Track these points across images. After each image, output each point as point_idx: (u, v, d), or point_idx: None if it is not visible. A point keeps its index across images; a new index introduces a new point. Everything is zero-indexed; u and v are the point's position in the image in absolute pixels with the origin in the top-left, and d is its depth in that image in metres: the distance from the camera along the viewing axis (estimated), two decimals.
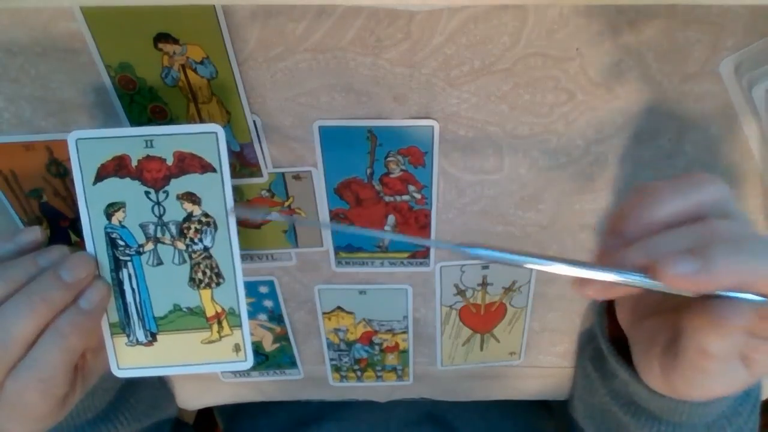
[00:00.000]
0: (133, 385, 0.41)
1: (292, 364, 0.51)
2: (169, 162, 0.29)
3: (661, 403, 0.35)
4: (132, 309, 0.31)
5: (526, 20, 0.31)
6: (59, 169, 0.37)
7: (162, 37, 0.31)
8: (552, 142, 0.37)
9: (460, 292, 0.45)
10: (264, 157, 0.37)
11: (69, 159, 0.30)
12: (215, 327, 0.32)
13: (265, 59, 0.33)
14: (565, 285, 0.45)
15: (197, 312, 0.31)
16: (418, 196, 0.39)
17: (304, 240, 0.42)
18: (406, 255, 0.43)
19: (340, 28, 0.32)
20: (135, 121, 0.35)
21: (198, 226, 0.30)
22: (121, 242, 0.30)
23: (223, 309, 0.32)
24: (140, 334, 0.32)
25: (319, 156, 0.37)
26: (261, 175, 0.38)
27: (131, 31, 0.31)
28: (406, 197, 0.39)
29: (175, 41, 0.32)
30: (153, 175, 0.29)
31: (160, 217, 0.30)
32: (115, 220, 0.30)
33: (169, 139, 0.29)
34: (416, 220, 0.41)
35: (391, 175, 0.38)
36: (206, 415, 0.67)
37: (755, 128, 0.36)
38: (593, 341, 0.45)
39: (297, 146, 0.37)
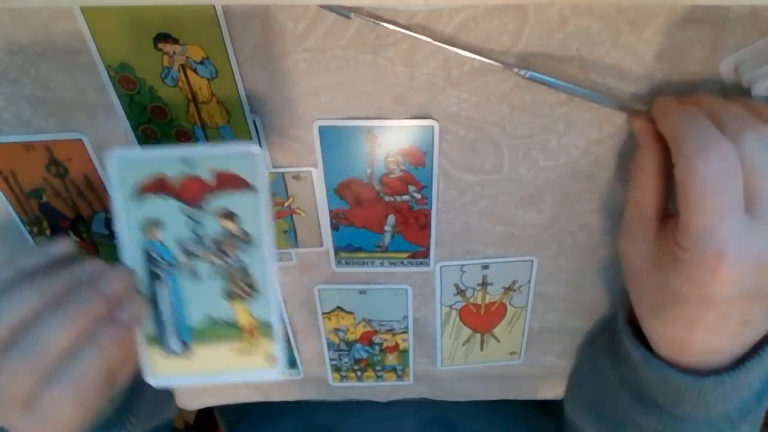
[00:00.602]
0: (138, 388, 0.42)
1: (292, 364, 0.51)
2: (207, 180, 0.30)
3: (665, 393, 0.35)
4: (167, 321, 0.32)
5: (526, 20, 0.31)
6: (59, 169, 0.37)
7: (162, 37, 0.31)
8: (552, 142, 0.37)
9: (460, 292, 0.45)
10: (264, 157, 0.37)
11: (107, 177, 0.30)
12: (249, 338, 0.33)
13: (265, 59, 0.33)
14: (565, 285, 0.45)
15: (231, 323, 0.32)
16: (418, 196, 0.39)
17: (304, 240, 0.42)
18: (406, 255, 0.43)
19: (340, 27, 0.32)
20: (135, 121, 0.35)
21: (234, 242, 0.31)
22: (157, 257, 0.31)
23: (256, 320, 0.32)
24: (175, 345, 0.32)
25: (319, 156, 0.37)
26: None
27: (131, 31, 0.31)
28: (406, 197, 0.39)
29: (175, 41, 0.32)
30: (191, 193, 0.30)
31: (197, 233, 0.31)
32: (152, 236, 0.30)
33: (207, 158, 0.30)
34: (416, 220, 0.41)
35: (391, 175, 0.38)
36: (206, 415, 0.67)
37: None
38: (605, 332, 0.45)
39: (297, 146, 0.37)
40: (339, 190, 0.39)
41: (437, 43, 0.31)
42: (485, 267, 0.44)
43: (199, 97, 0.34)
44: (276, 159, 0.37)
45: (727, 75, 0.33)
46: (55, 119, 0.35)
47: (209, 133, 0.36)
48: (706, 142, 0.28)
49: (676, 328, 0.32)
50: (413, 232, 0.41)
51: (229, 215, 0.30)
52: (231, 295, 0.32)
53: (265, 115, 0.35)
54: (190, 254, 0.31)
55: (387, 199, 0.39)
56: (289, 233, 0.42)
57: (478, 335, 0.48)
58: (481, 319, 0.47)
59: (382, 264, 0.43)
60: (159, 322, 0.32)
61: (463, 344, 0.49)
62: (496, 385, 0.53)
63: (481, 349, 0.49)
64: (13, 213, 0.39)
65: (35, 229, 0.40)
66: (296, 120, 0.36)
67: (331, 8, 0.30)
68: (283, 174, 0.38)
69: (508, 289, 0.45)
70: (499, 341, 0.49)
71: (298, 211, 0.40)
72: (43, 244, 0.30)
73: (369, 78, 0.34)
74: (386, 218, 0.41)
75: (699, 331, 0.31)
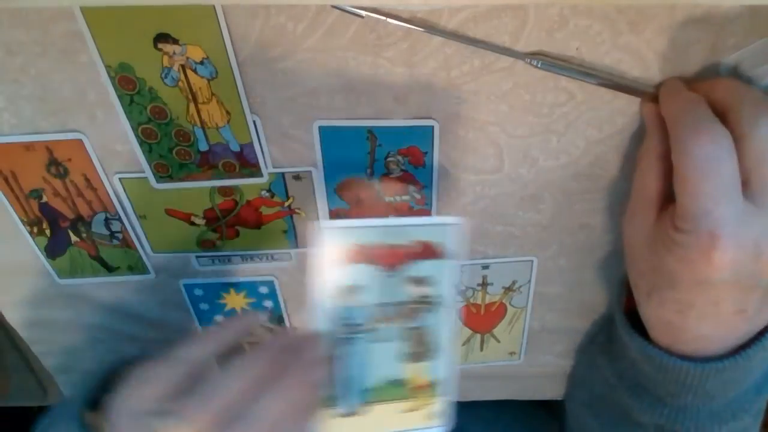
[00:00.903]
0: None
1: None
2: (408, 249, 0.31)
3: (666, 383, 0.35)
4: (345, 383, 0.33)
5: (526, 20, 0.31)
6: (59, 170, 0.37)
7: (162, 37, 0.31)
8: (552, 142, 0.37)
9: (460, 292, 0.45)
10: (264, 157, 0.37)
11: (317, 245, 0.30)
12: (417, 397, 0.33)
13: (265, 59, 0.33)
14: (565, 285, 0.45)
15: (403, 383, 0.33)
16: (418, 196, 0.39)
17: (304, 240, 0.42)
18: None
19: (340, 27, 0.32)
20: (135, 121, 0.35)
21: (422, 306, 0.32)
22: (350, 322, 0.31)
23: (428, 380, 0.33)
24: (348, 407, 0.33)
25: (319, 156, 0.37)
26: (261, 175, 0.38)
27: (131, 31, 0.31)
28: (406, 197, 0.39)
29: (175, 41, 0.32)
30: (390, 261, 0.31)
31: (390, 298, 0.31)
32: (348, 302, 0.31)
33: (410, 229, 0.31)
34: None
35: (392, 175, 0.38)
36: None
37: None
38: (602, 331, 0.45)
39: (297, 146, 0.37)
40: (339, 190, 0.39)
41: (457, 41, 0.31)
42: (485, 267, 0.44)
43: (199, 97, 0.34)
44: (276, 159, 0.37)
45: (727, 75, 0.33)
46: (55, 119, 0.35)
47: (209, 133, 0.36)
48: (701, 126, 0.28)
49: (669, 312, 0.32)
50: None
51: (422, 281, 0.31)
52: (409, 356, 0.33)
53: (265, 115, 0.35)
54: (379, 318, 0.32)
55: (387, 199, 0.39)
56: (289, 233, 0.42)
57: (478, 335, 0.48)
58: (481, 319, 0.47)
59: None
60: (337, 384, 0.32)
61: (463, 344, 0.49)
62: (496, 385, 0.53)
63: (481, 349, 0.49)
64: (13, 213, 0.39)
65: (35, 229, 0.40)
66: (296, 120, 0.36)
67: (342, 8, 0.30)
68: (283, 174, 0.38)
69: (508, 289, 0.45)
70: (498, 341, 0.49)
71: (298, 211, 0.40)
72: (235, 318, 0.31)
73: (369, 78, 0.34)
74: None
75: (692, 316, 0.31)
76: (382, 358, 0.32)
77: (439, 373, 0.33)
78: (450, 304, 0.32)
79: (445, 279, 0.31)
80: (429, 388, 0.33)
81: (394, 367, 0.32)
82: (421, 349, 0.32)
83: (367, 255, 0.30)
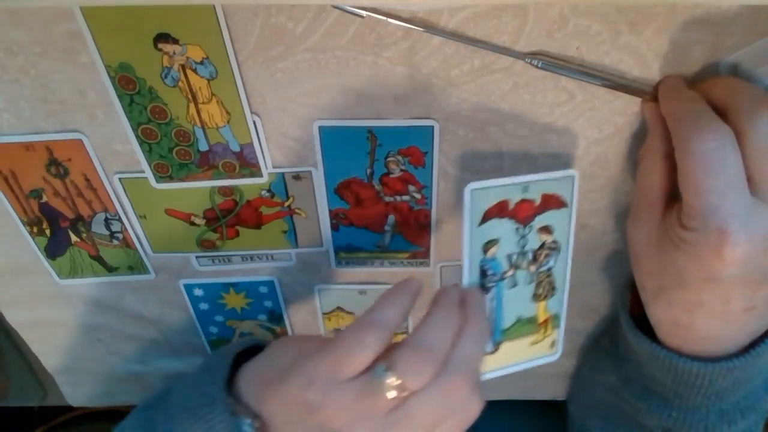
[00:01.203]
0: None
1: None
2: (537, 202, 0.35)
3: (675, 385, 0.35)
4: (489, 326, 0.36)
5: (526, 20, 0.31)
6: (59, 170, 0.37)
7: (162, 37, 0.31)
8: (552, 142, 0.37)
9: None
10: (264, 157, 0.37)
11: (462, 208, 0.33)
12: (542, 330, 0.38)
13: (265, 59, 0.33)
14: None
15: (533, 320, 0.37)
16: (418, 196, 0.39)
17: (304, 240, 0.42)
18: (406, 255, 0.43)
19: (340, 27, 0.32)
20: (135, 121, 0.35)
21: (548, 252, 0.36)
22: (490, 272, 0.35)
23: (550, 314, 0.38)
24: (489, 346, 0.37)
25: (319, 156, 0.37)
26: (261, 175, 0.38)
27: (131, 31, 0.31)
28: (406, 197, 0.39)
29: (175, 41, 0.32)
30: (524, 213, 0.35)
31: (522, 247, 0.35)
32: (489, 254, 0.34)
33: (540, 183, 0.34)
34: (416, 221, 0.41)
35: (391, 175, 0.38)
36: None
37: None
38: (606, 335, 0.45)
39: (297, 146, 0.37)
40: (339, 190, 0.39)
41: (458, 41, 0.31)
42: None
43: (199, 97, 0.34)
44: (276, 159, 0.37)
45: (727, 75, 0.33)
46: (55, 119, 0.35)
47: (209, 133, 0.36)
48: (702, 123, 0.28)
49: (678, 312, 0.32)
50: (413, 233, 0.41)
51: (547, 229, 0.35)
52: (536, 296, 0.37)
53: (265, 115, 0.35)
54: (514, 266, 0.35)
55: (387, 199, 0.39)
56: (289, 233, 0.42)
57: None
58: None
59: (382, 264, 0.43)
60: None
61: None
62: (495, 385, 0.52)
63: None
64: (13, 213, 0.39)
65: (35, 229, 0.40)
66: (296, 120, 0.36)
67: (342, 8, 0.30)
68: (283, 174, 0.38)
69: None
70: None
71: (298, 211, 0.40)
72: (401, 285, 0.33)
73: (369, 78, 0.34)
74: (386, 218, 0.41)
75: (701, 314, 0.31)
76: (517, 301, 0.36)
77: (558, 307, 0.38)
78: (568, 247, 0.36)
79: (565, 225, 0.35)
80: (550, 322, 0.38)
81: (526, 307, 0.37)
82: (546, 288, 0.37)
83: (505, 210, 0.34)
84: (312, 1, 0.30)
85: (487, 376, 0.37)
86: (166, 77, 0.33)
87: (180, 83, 0.33)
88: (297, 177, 0.38)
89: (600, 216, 0.41)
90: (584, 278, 0.44)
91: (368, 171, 0.38)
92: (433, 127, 0.36)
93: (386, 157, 0.37)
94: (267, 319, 0.48)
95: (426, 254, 0.43)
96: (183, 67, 0.33)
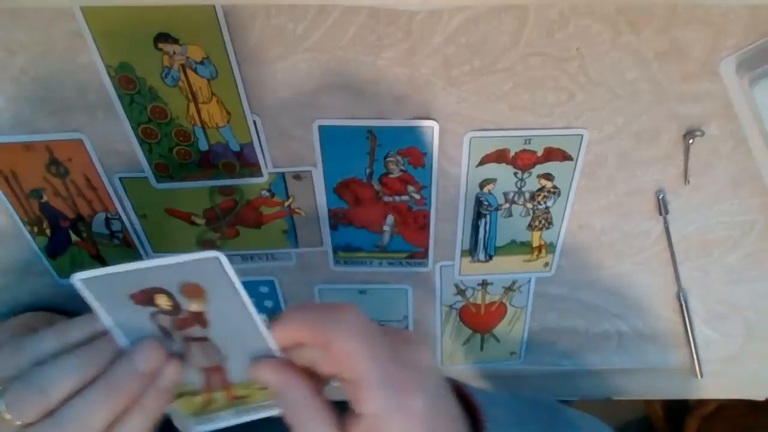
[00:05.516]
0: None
1: None
2: (539, 153, 0.38)
3: None
4: (481, 241, 0.42)
5: (526, 20, 0.31)
6: (59, 169, 0.37)
7: (162, 37, 0.31)
8: (552, 141, 0.37)
9: (460, 292, 0.45)
10: (264, 157, 0.37)
11: (461, 154, 0.37)
12: (535, 252, 0.43)
13: (265, 59, 0.33)
14: (565, 285, 0.45)
15: (526, 244, 0.43)
16: (417, 196, 0.39)
17: (304, 240, 0.42)
18: (404, 255, 0.43)
19: (340, 27, 0.32)
20: (135, 121, 0.35)
21: (547, 194, 0.40)
22: (486, 203, 0.40)
23: (544, 242, 0.43)
24: (481, 255, 0.43)
25: (319, 156, 0.37)
26: (261, 175, 0.38)
27: (131, 31, 0.31)
28: (405, 197, 0.39)
29: (175, 41, 0.32)
30: (524, 162, 0.38)
31: (520, 188, 0.39)
32: (485, 190, 0.39)
33: (543, 138, 0.37)
34: (415, 221, 0.41)
35: (391, 175, 0.38)
36: None
37: (755, 128, 0.36)
38: None
39: (297, 146, 0.37)
40: (338, 190, 0.39)
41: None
42: None
43: (199, 97, 0.34)
44: (276, 159, 0.37)
45: (727, 75, 0.33)
46: (55, 119, 0.35)
47: (209, 133, 0.36)
48: None
49: None
50: (412, 233, 0.41)
51: (548, 176, 0.39)
52: (531, 227, 0.42)
53: (265, 115, 0.35)
54: (510, 201, 0.40)
55: (386, 199, 0.39)
56: (289, 233, 0.42)
57: (478, 335, 0.48)
58: (481, 318, 0.47)
59: (380, 264, 0.43)
60: (475, 242, 0.42)
61: (463, 344, 0.49)
62: (496, 385, 0.53)
63: (481, 348, 0.49)
64: (13, 213, 0.39)
65: (35, 229, 0.40)
66: (296, 120, 0.36)
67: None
68: (283, 174, 0.38)
69: (508, 289, 0.45)
70: (499, 341, 0.49)
71: (298, 210, 0.40)
72: (88, 318, 0.31)
73: (369, 78, 0.34)
74: (385, 218, 0.41)
75: None
76: (512, 228, 0.41)
77: (551, 238, 0.42)
78: (569, 194, 0.40)
79: (568, 176, 0.39)
80: (545, 248, 0.43)
81: (520, 233, 0.42)
82: (543, 222, 0.41)
83: (505, 157, 0.37)
84: (312, 1, 0.30)
85: (481, 278, 0.44)
86: (166, 77, 0.33)
87: (180, 83, 0.33)
88: (297, 177, 0.38)
89: (600, 216, 0.41)
90: (584, 278, 0.44)
91: (368, 171, 0.38)
92: (433, 127, 0.36)
93: (386, 157, 0.37)
94: (267, 318, 0.48)
95: (425, 254, 0.43)
96: (183, 66, 0.33)
